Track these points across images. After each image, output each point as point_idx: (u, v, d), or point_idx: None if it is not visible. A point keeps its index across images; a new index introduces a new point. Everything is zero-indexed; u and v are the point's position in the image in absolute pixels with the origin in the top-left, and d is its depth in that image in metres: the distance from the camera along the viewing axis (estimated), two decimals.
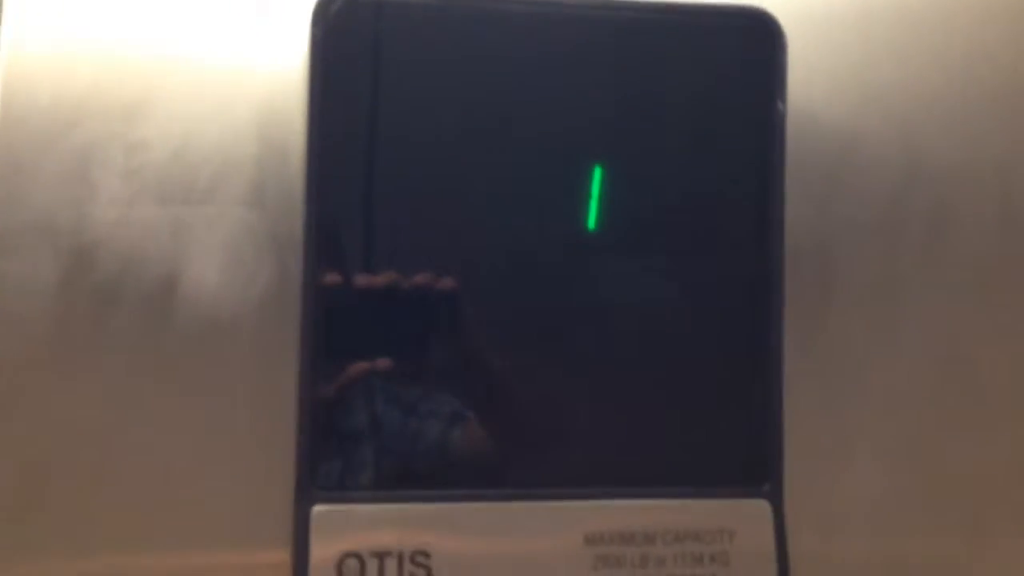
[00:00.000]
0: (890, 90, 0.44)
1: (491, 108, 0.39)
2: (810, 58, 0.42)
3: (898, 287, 0.43)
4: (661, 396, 0.39)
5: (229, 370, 0.38)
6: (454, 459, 0.38)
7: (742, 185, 0.41)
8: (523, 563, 0.37)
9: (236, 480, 0.37)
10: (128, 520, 0.37)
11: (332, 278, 0.37)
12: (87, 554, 0.37)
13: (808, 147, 0.42)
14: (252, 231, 0.38)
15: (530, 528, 0.37)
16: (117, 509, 0.37)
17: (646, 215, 0.40)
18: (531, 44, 0.39)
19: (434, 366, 0.38)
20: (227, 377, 0.38)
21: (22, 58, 0.37)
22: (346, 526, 0.36)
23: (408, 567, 0.36)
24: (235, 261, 0.38)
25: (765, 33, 0.40)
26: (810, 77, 0.42)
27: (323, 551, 0.36)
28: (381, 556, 0.36)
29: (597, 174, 0.39)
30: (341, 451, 0.37)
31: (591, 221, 0.39)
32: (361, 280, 0.37)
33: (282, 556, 0.36)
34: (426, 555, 0.36)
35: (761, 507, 0.39)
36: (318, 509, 0.36)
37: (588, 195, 0.39)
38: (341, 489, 0.36)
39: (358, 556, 0.36)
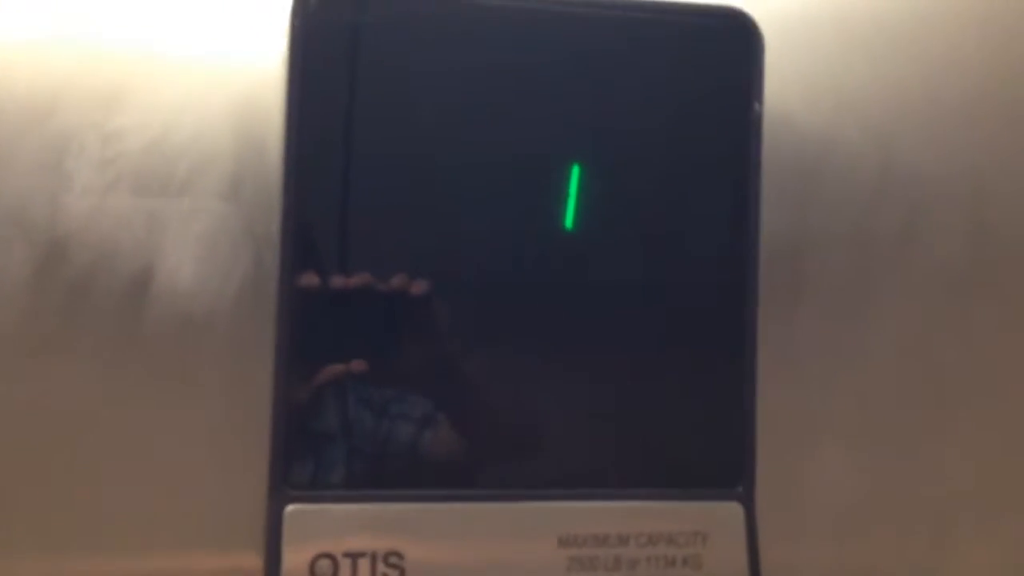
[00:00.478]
0: (866, 96, 0.44)
1: (471, 105, 0.39)
2: (787, 63, 0.42)
3: (871, 291, 0.43)
4: (634, 398, 0.39)
5: (203, 367, 0.37)
6: (426, 461, 0.38)
7: (718, 186, 0.41)
8: (497, 564, 0.37)
9: (209, 481, 0.37)
10: (97, 521, 0.36)
11: (308, 277, 0.37)
12: (55, 555, 0.36)
13: (784, 151, 0.42)
14: (229, 225, 0.38)
15: (504, 530, 0.37)
16: (86, 509, 0.36)
17: (623, 216, 0.40)
18: (510, 42, 0.39)
19: (407, 367, 0.38)
20: (201, 374, 0.37)
21: None
22: (319, 527, 0.36)
23: (381, 568, 0.36)
24: (211, 255, 0.38)
25: (743, 34, 0.40)
26: (787, 81, 0.42)
27: (296, 551, 0.35)
28: (354, 557, 0.36)
29: (575, 174, 0.39)
30: (314, 451, 0.37)
31: (568, 221, 0.39)
32: (336, 281, 0.37)
33: (256, 559, 0.36)
34: (399, 556, 0.36)
35: (734, 509, 0.39)
36: (291, 509, 0.36)
37: (565, 195, 0.39)
38: (314, 489, 0.36)
39: (331, 557, 0.36)
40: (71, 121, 0.37)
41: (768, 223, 0.41)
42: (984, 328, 0.44)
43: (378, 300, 0.37)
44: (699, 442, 0.40)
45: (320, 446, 0.37)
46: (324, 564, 0.35)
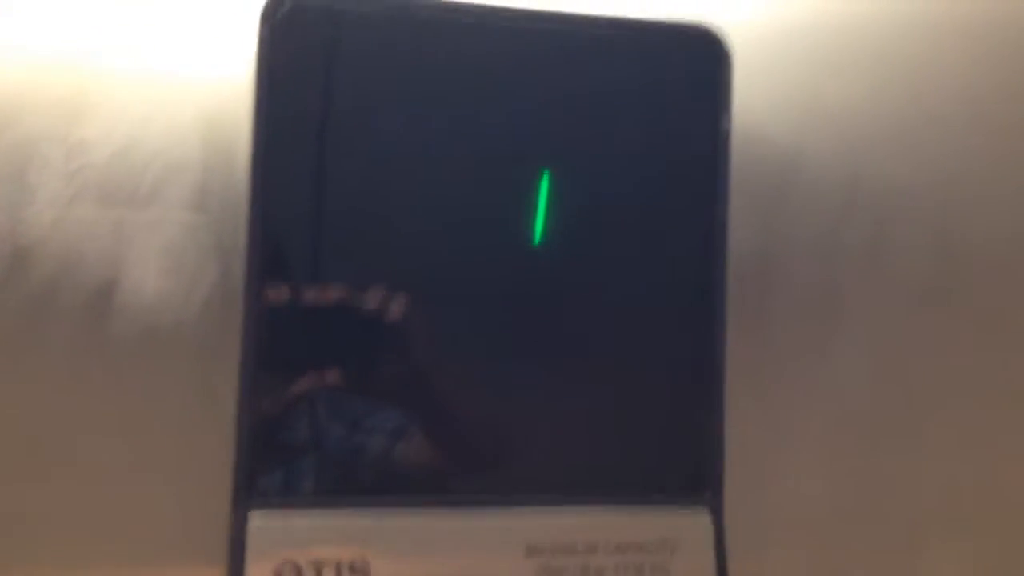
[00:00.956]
0: (834, 109, 0.44)
1: (441, 117, 0.39)
2: (755, 76, 0.42)
3: (838, 302, 0.43)
4: (603, 407, 0.39)
5: (169, 378, 0.37)
6: (393, 471, 0.38)
7: (686, 199, 0.41)
8: (464, 573, 0.37)
9: (173, 494, 0.37)
10: (58, 533, 0.36)
11: (275, 288, 0.37)
12: (12, 569, 0.36)
13: (752, 163, 0.42)
14: (195, 236, 0.38)
15: (471, 538, 0.37)
16: (44, 521, 0.36)
17: (592, 229, 0.40)
18: (480, 56, 0.39)
19: (377, 379, 0.38)
20: (167, 385, 0.37)
21: None
22: (283, 536, 0.35)
23: None
24: (177, 267, 0.38)
25: (711, 49, 0.41)
26: (755, 95, 0.42)
27: (259, 561, 0.35)
28: (319, 566, 0.35)
29: (544, 187, 0.39)
30: (282, 461, 0.37)
31: (537, 233, 0.39)
32: (310, 295, 0.37)
33: (221, 572, 0.35)
34: (365, 564, 0.36)
35: (701, 516, 0.39)
36: (255, 517, 0.35)
37: (534, 208, 0.39)
38: (279, 496, 0.36)
39: (295, 566, 0.35)
40: (33, 130, 0.37)
41: (736, 234, 0.41)
42: (952, 337, 0.44)
43: (348, 313, 0.37)
44: (667, 449, 0.40)
45: (287, 456, 0.37)
46: (289, 573, 0.35)
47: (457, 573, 0.37)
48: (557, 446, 0.39)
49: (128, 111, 0.38)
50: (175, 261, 0.38)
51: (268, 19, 0.37)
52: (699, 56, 0.41)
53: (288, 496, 0.36)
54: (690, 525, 0.39)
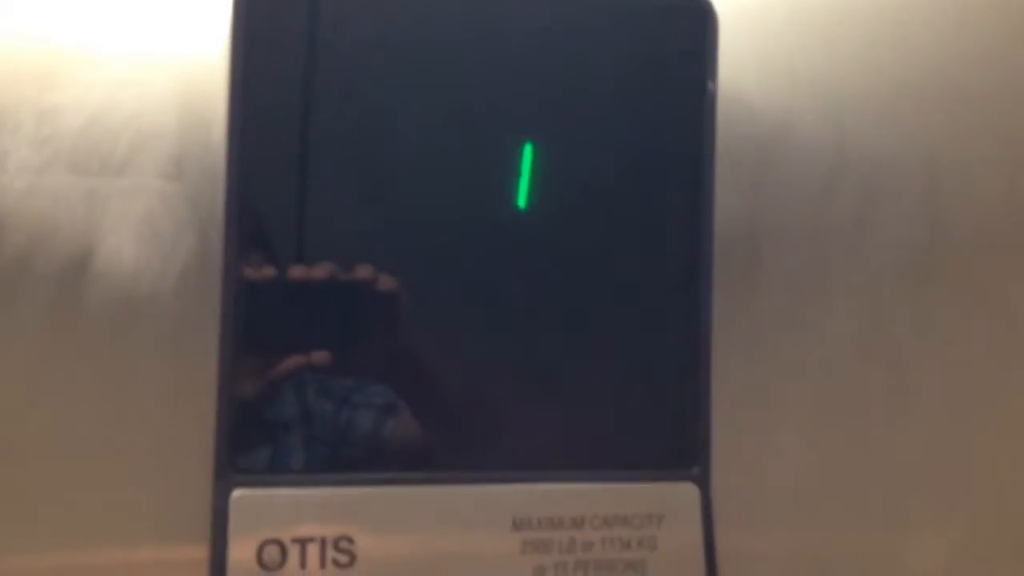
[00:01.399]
0: (821, 79, 0.44)
1: (422, 85, 0.38)
2: (742, 44, 0.42)
3: (825, 274, 0.43)
4: (590, 380, 0.39)
5: (146, 351, 0.36)
6: (387, 449, 0.37)
7: (672, 166, 0.41)
8: (450, 548, 0.36)
9: (154, 470, 0.36)
10: (34, 513, 0.35)
11: (255, 260, 0.36)
12: None
13: (739, 133, 0.42)
14: (171, 205, 0.37)
15: (457, 513, 0.37)
16: (21, 500, 0.35)
17: (576, 196, 0.40)
18: (463, 20, 0.39)
19: (361, 353, 0.37)
20: (144, 359, 0.36)
21: None
22: (267, 512, 0.35)
23: (331, 553, 0.35)
24: (153, 236, 0.37)
25: (698, 14, 0.41)
26: (741, 64, 0.42)
27: (242, 538, 0.35)
28: (303, 543, 0.35)
29: (528, 153, 0.39)
30: (267, 438, 0.36)
31: (521, 201, 0.39)
32: (285, 265, 0.36)
33: (203, 550, 0.35)
34: (350, 540, 0.35)
35: (689, 490, 0.39)
36: (237, 494, 0.35)
37: (518, 174, 0.39)
38: (262, 473, 0.35)
39: (279, 543, 0.35)
40: (4, 97, 0.36)
41: (722, 204, 0.41)
42: (938, 312, 0.44)
43: (331, 286, 0.36)
44: (655, 423, 0.40)
45: (272, 433, 0.36)
46: (272, 550, 0.35)
47: (443, 549, 0.36)
48: (543, 420, 0.39)
49: (101, 76, 0.37)
50: (150, 230, 0.37)
51: None
52: (685, 20, 0.41)
53: (271, 473, 0.36)
54: (677, 499, 0.39)
